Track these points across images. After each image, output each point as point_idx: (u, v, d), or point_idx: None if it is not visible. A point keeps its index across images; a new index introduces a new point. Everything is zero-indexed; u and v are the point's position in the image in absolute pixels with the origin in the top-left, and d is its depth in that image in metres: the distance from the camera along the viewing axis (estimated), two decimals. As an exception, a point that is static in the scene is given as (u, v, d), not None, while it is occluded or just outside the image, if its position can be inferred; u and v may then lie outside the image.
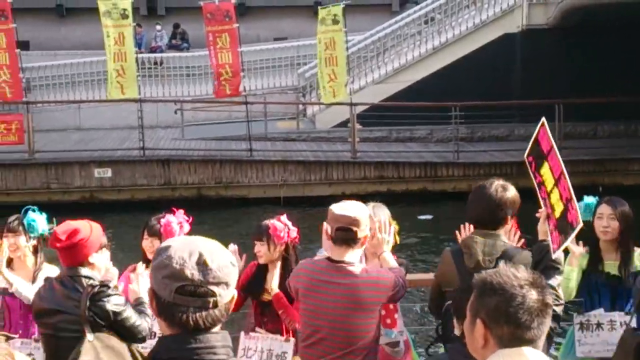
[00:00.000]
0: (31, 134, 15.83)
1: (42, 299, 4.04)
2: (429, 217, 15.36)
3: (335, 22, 16.63)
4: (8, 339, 2.13)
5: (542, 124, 4.17)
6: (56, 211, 5.08)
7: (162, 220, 4.84)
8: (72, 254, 3.96)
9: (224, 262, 2.13)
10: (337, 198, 16.96)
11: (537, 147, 4.21)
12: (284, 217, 4.93)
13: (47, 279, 4.18)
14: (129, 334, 3.88)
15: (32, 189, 15.69)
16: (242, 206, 15.90)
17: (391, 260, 4.22)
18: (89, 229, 4.02)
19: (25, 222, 4.84)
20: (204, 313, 2.08)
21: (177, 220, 4.83)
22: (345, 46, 17.01)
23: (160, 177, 16.27)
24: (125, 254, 8.50)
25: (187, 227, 4.83)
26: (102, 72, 19.28)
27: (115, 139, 18.45)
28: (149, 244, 4.88)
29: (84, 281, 3.92)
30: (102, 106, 19.84)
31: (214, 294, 2.09)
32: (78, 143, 18.09)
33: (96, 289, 3.85)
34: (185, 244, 2.16)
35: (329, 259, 4.05)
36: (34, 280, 4.84)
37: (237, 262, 2.25)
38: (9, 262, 4.90)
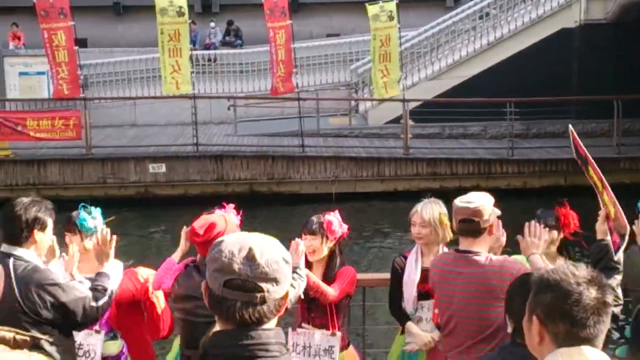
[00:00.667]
0: (88, 129, 16.13)
1: (180, 286, 4.24)
2: (482, 214, 15.16)
3: (390, 18, 16.57)
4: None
5: (571, 132, 4.29)
6: (112, 206, 5.14)
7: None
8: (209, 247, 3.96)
9: (275, 257, 2.12)
10: (388, 195, 16.93)
11: (577, 151, 4.24)
12: (335, 213, 4.93)
13: (188, 267, 4.37)
14: None
15: (89, 183, 15.99)
16: (294, 202, 15.95)
17: (538, 263, 4.09)
18: (224, 223, 4.16)
19: (77, 222, 4.84)
20: (251, 308, 2.08)
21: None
22: (399, 42, 16.92)
23: (213, 173, 16.41)
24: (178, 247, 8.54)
25: (344, 226, 4.90)
26: (158, 69, 19.53)
27: (169, 135, 18.68)
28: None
29: None
30: (157, 102, 20.10)
31: (261, 290, 2.08)
32: (133, 139, 18.38)
33: None
34: (237, 239, 2.17)
35: (457, 250, 4.30)
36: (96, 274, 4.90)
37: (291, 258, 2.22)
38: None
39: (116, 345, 4.76)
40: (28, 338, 2.07)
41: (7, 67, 19.93)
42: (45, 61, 16.84)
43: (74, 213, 4.85)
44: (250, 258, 2.09)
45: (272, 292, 2.10)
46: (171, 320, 4.80)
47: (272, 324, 2.14)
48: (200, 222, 4.19)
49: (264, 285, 2.09)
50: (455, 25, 19.94)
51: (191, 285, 4.13)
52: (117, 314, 4.68)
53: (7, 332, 2.03)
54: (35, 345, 2.08)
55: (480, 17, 19.89)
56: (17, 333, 2.06)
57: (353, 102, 20.07)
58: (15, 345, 2.05)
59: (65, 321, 3.97)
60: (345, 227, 4.89)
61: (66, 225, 4.86)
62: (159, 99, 19.34)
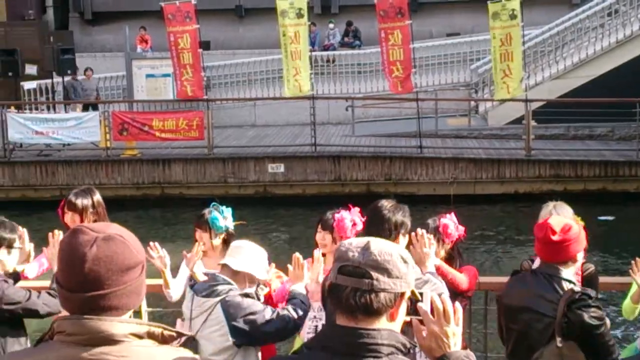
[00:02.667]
0: (210, 130, 16.55)
1: (511, 295, 3.94)
2: (609, 218, 14.57)
3: (512, 17, 16.09)
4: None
5: None
6: (232, 204, 5.24)
7: (336, 216, 4.88)
8: (558, 250, 3.78)
9: (390, 251, 2.18)
10: (509, 197, 16.46)
11: None
12: (451, 216, 4.85)
13: (522, 274, 4.10)
14: (602, 351, 3.66)
15: (211, 182, 16.40)
16: (411, 203, 15.73)
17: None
18: (579, 228, 3.88)
19: (209, 220, 5.03)
20: (358, 294, 2.11)
21: (350, 217, 4.84)
22: (521, 41, 16.45)
23: (331, 173, 16.48)
24: (295, 247, 8.63)
25: (360, 226, 4.82)
26: (277, 70, 19.83)
27: (288, 135, 18.93)
28: (321, 237, 4.95)
29: (565, 284, 3.72)
30: (276, 103, 20.42)
31: (370, 276, 2.12)
32: (253, 139, 18.73)
33: (577, 296, 3.66)
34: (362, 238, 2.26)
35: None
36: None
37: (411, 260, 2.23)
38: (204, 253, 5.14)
39: None
40: (174, 333, 2.14)
41: (134, 70, 20.71)
42: (170, 63, 17.42)
43: (206, 211, 5.03)
44: (365, 248, 2.17)
45: (382, 282, 2.13)
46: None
47: (381, 322, 2.14)
48: (556, 220, 3.89)
49: (373, 273, 2.12)
50: (582, 23, 19.21)
51: (527, 295, 3.84)
52: None
53: (156, 328, 2.10)
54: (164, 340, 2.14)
55: (609, 15, 19.09)
56: (165, 329, 2.12)
57: (473, 103, 19.69)
58: (163, 340, 2.12)
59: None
60: (461, 229, 4.80)
61: (198, 222, 5.06)
62: (278, 99, 19.63)
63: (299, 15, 16.12)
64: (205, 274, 4.83)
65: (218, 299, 4.13)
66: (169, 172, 16.44)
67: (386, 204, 4.13)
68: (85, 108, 18.84)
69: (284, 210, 15.67)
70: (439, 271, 4.48)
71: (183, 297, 4.83)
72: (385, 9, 16.27)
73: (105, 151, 16.48)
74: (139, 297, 2.11)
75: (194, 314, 4.24)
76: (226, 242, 5.11)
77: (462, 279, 4.73)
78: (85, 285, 2.01)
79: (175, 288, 5.14)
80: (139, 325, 2.08)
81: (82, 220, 5.01)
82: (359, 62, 21.32)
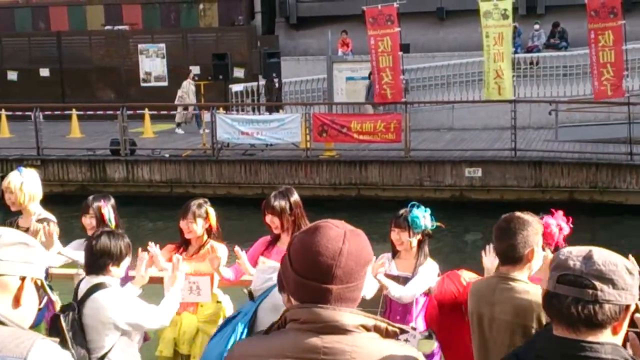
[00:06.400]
0: (408, 133, 16.53)
1: None
2: None
3: (505, 17, 15.50)
4: None
5: None
6: (428, 208, 5.18)
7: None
8: None
9: (614, 261, 2.10)
10: None
11: None
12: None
13: None
14: None
15: (406, 185, 16.36)
16: (618, 213, 14.85)
17: None
18: None
19: (409, 218, 5.02)
20: (581, 305, 2.05)
21: (555, 222, 4.60)
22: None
23: (531, 179, 15.90)
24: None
25: (566, 230, 4.58)
26: (477, 73, 19.47)
27: (486, 139, 18.50)
28: None
29: None
30: (475, 107, 20.04)
31: (594, 287, 2.05)
32: (450, 142, 18.49)
33: None
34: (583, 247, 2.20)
35: None
36: (413, 271, 4.99)
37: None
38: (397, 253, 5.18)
39: (430, 345, 4.78)
40: (398, 330, 2.20)
41: (335, 72, 21.21)
42: (370, 66, 17.62)
43: (405, 210, 5.07)
44: (587, 257, 2.10)
45: (607, 293, 2.06)
46: None
47: (607, 336, 2.07)
48: None
49: (597, 283, 2.06)
50: None
51: None
52: (438, 315, 4.71)
53: (381, 322, 2.17)
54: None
55: None
56: (389, 324, 2.19)
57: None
58: (386, 334, 2.18)
59: None
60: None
61: (396, 222, 5.06)
62: (477, 103, 19.25)
63: (504, 17, 15.76)
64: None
65: None
66: (365, 174, 16.61)
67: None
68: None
69: (479, 215, 15.32)
70: None
71: None
72: (597, 9, 15.46)
73: (305, 152, 16.96)
74: (362, 292, 2.19)
75: None
76: (420, 244, 5.07)
77: None
78: (336, 278, 2.10)
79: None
80: (367, 317, 2.15)
81: (281, 222, 5.19)
82: (564, 64, 20.47)
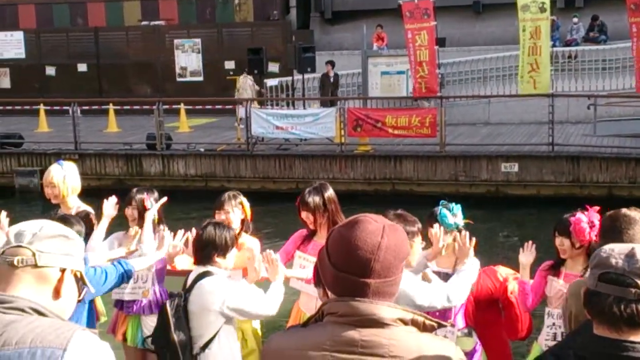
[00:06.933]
0: (443, 127, 16.40)
1: None
2: None
3: (542, 10, 15.25)
4: None
5: None
6: (462, 203, 5.11)
7: (572, 219, 4.60)
8: None
9: None
10: None
11: None
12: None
13: None
14: None
15: (441, 180, 16.26)
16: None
17: None
18: None
19: (439, 219, 4.97)
20: (623, 303, 2.03)
21: (587, 218, 4.53)
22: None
23: (569, 174, 15.69)
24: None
25: (597, 227, 4.50)
26: (513, 67, 19.25)
27: (522, 134, 18.31)
28: (559, 242, 4.72)
29: None
30: (511, 101, 19.84)
31: (637, 286, 2.02)
32: (486, 137, 18.33)
33: None
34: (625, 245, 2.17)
35: None
36: (453, 269, 4.95)
37: None
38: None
39: (470, 342, 4.74)
40: (435, 324, 2.20)
41: (370, 67, 21.12)
42: (405, 61, 17.52)
43: (435, 209, 4.97)
44: (630, 255, 2.06)
45: None
46: (529, 321, 4.74)
47: None
48: None
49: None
50: None
51: None
52: (475, 311, 4.67)
53: (419, 316, 2.18)
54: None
55: None
56: (426, 318, 2.19)
57: None
58: (424, 328, 2.18)
59: None
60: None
61: (428, 219, 5.02)
62: (514, 97, 19.05)
63: (542, 10, 15.59)
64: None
65: None
66: (400, 169, 16.54)
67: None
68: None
69: (515, 211, 15.16)
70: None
71: None
72: (637, 2, 15.25)
73: (340, 146, 16.93)
74: (398, 287, 2.19)
75: None
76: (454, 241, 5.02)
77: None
78: (374, 272, 2.10)
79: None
80: (404, 311, 2.15)
81: (314, 218, 5.18)
82: (603, 58, 20.15)
